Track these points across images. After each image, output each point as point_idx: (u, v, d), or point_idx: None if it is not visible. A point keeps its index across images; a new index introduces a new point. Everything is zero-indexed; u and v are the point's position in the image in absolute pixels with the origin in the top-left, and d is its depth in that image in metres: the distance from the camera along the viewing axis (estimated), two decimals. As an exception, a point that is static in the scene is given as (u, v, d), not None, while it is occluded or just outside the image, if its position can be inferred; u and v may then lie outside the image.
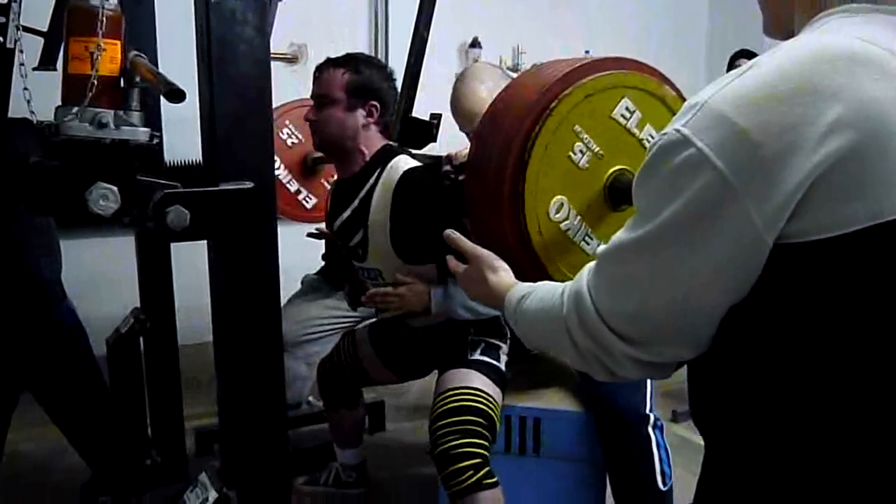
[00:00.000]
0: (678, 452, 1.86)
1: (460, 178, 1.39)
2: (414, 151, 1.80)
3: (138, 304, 1.74)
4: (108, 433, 1.82)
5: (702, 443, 0.77)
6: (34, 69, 1.60)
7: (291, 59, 3.80)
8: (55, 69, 1.72)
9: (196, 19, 1.13)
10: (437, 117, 1.50)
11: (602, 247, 0.74)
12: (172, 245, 1.65)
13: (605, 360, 0.74)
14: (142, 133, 1.07)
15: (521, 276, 1.04)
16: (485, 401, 1.66)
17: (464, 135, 1.85)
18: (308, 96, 1.90)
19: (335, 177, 2.01)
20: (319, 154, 2.29)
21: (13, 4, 1.40)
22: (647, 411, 1.77)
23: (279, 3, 1.90)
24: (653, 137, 1.07)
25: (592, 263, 0.76)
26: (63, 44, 1.06)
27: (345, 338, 2.11)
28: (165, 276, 1.73)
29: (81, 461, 1.97)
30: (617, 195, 1.09)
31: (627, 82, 1.09)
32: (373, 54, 3.86)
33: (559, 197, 1.08)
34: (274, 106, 1.30)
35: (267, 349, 1.20)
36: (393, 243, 1.74)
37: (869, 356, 0.61)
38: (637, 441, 1.74)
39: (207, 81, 1.11)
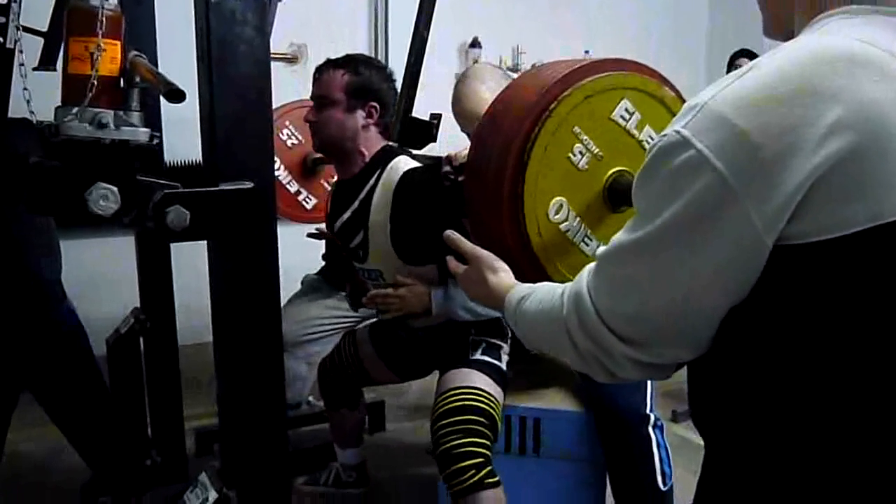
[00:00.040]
0: (678, 452, 1.87)
1: (460, 178, 1.39)
2: (414, 152, 1.80)
3: (138, 305, 1.74)
4: (108, 433, 1.82)
5: (702, 443, 0.77)
6: (34, 69, 1.60)
7: (291, 60, 3.80)
8: (55, 69, 1.72)
9: (196, 19, 1.13)
10: (437, 117, 1.50)
11: (602, 248, 0.74)
12: (172, 245, 1.65)
13: (605, 361, 0.74)
14: (142, 133, 1.07)
15: (521, 276, 1.04)
16: (486, 400, 1.66)
17: (465, 135, 1.85)
18: (308, 97, 1.90)
19: (335, 178, 2.01)
20: (319, 155, 2.29)
21: (13, 4, 1.40)
22: (648, 411, 1.77)
23: (279, 3, 1.90)
24: (652, 139, 1.08)
25: (592, 264, 0.76)
26: (63, 44, 1.06)
27: (345, 338, 2.11)
28: (165, 277, 1.73)
29: (81, 461, 1.97)
30: (616, 196, 1.09)
31: (627, 84, 1.09)
32: (373, 54, 3.88)
33: (558, 198, 1.08)
34: (274, 107, 1.30)
35: (267, 349, 1.20)
36: (393, 244, 1.74)
37: (868, 357, 0.61)
38: (637, 441, 1.74)
39: (207, 82, 1.11)
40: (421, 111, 1.46)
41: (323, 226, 2.14)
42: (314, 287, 2.61)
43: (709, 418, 0.74)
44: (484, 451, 1.58)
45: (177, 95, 1.00)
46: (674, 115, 0.68)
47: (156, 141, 1.12)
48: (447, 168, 1.48)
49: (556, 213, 1.08)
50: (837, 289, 0.60)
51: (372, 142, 1.80)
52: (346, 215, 1.84)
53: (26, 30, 1.53)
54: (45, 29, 1.76)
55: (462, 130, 1.86)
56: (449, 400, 1.65)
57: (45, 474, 2.35)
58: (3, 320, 1.76)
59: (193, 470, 1.55)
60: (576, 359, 0.78)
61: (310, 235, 2.24)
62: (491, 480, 1.55)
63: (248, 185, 1.12)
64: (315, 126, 1.80)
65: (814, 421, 0.64)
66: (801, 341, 0.62)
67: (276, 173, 2.31)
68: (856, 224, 0.57)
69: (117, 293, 2.20)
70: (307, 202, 2.56)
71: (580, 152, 1.07)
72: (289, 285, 1.85)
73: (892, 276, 0.59)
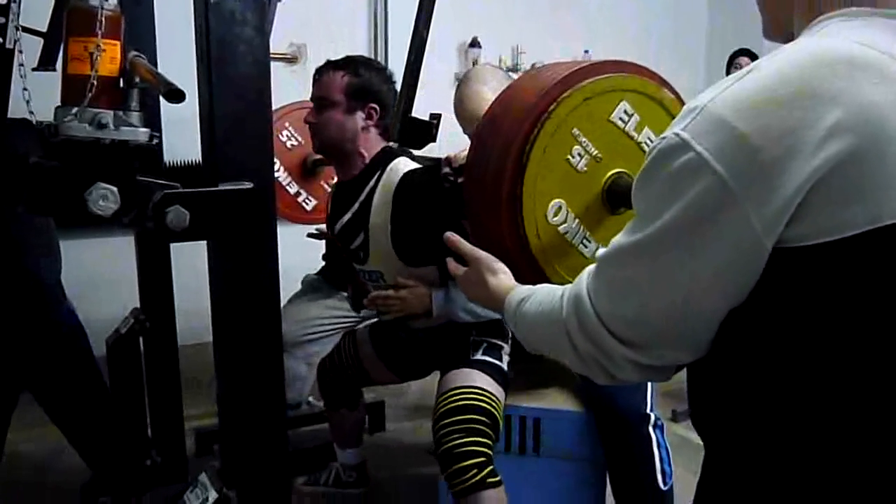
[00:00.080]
0: (678, 452, 1.87)
1: (460, 180, 1.39)
2: (414, 152, 1.80)
3: (138, 305, 1.74)
4: (107, 433, 1.82)
5: (702, 443, 0.77)
6: (34, 69, 1.60)
7: (291, 60, 3.80)
8: (55, 69, 1.72)
9: (195, 20, 1.13)
10: (436, 117, 1.50)
11: (602, 250, 0.74)
12: (172, 246, 1.65)
13: (604, 363, 0.74)
14: (141, 133, 1.07)
15: (520, 278, 1.04)
16: (488, 400, 1.66)
17: (465, 136, 1.85)
18: (308, 97, 1.90)
19: (335, 179, 2.01)
20: (319, 156, 2.29)
21: (13, 5, 1.39)
22: (648, 411, 1.77)
23: (279, 3, 1.89)
24: (651, 141, 1.08)
25: (592, 267, 0.76)
26: (62, 44, 1.06)
27: (345, 338, 2.11)
28: (165, 277, 1.72)
29: (81, 461, 1.97)
30: (615, 198, 1.09)
31: (626, 86, 1.09)
32: (372, 54, 3.88)
33: (557, 200, 1.08)
34: (273, 108, 1.30)
35: (267, 349, 1.20)
36: (394, 245, 1.74)
37: (868, 359, 0.61)
38: (637, 440, 1.75)
39: (207, 82, 1.11)
40: (421, 111, 1.46)
41: (323, 226, 2.14)
42: (314, 287, 2.61)
43: (708, 420, 0.74)
44: (486, 450, 1.58)
45: (176, 95, 0.99)
46: (673, 117, 0.68)
47: (155, 141, 1.12)
48: (447, 169, 1.47)
49: (555, 214, 1.08)
50: (837, 291, 0.60)
51: (372, 143, 1.80)
52: (347, 217, 1.84)
53: (26, 30, 1.52)
54: (44, 29, 1.76)
55: (464, 132, 1.86)
56: (451, 399, 1.65)
57: (45, 474, 2.35)
58: (3, 321, 1.76)
59: (193, 470, 1.55)
60: (576, 361, 0.78)
61: (310, 235, 2.24)
62: (493, 480, 1.55)
63: (248, 185, 1.12)
64: (315, 127, 1.80)
65: (813, 422, 0.64)
66: (800, 344, 0.62)
67: (276, 175, 2.31)
68: (855, 227, 0.57)
69: (117, 293, 2.19)
70: (307, 203, 2.56)
71: (579, 154, 1.07)
72: (289, 285, 1.85)
73: (892, 279, 0.59)
